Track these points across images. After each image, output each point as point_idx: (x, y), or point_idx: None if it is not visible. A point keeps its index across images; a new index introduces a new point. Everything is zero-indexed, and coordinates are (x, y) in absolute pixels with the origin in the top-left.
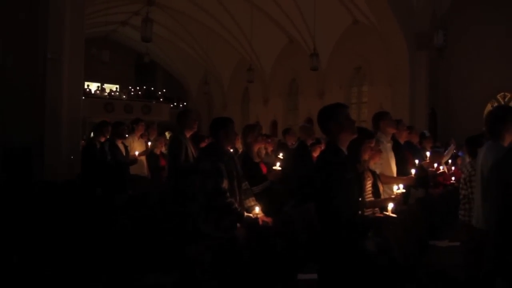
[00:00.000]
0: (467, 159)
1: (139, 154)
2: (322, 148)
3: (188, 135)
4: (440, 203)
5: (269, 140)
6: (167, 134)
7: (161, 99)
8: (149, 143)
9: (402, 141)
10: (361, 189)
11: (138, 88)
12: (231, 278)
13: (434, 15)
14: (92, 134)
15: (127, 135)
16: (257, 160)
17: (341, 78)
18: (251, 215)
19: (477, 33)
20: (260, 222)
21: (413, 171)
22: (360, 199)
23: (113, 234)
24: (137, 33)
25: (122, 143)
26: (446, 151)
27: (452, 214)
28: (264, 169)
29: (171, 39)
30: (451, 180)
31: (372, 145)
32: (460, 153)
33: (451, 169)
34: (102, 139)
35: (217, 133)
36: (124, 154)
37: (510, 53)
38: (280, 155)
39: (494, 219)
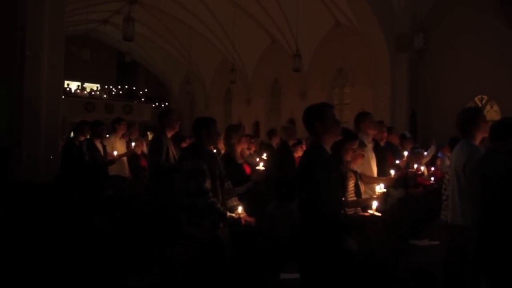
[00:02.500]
0: (447, 161)
1: (120, 155)
2: (304, 148)
3: (169, 135)
4: (420, 203)
5: (252, 140)
6: (149, 135)
7: (143, 99)
8: (133, 144)
9: (382, 142)
10: (344, 189)
11: (119, 87)
12: (213, 279)
13: (415, 18)
14: (72, 134)
15: (107, 135)
16: (240, 161)
17: (323, 79)
18: (233, 215)
19: (456, 37)
20: (243, 222)
21: (392, 171)
22: (343, 198)
23: (92, 236)
24: (118, 31)
25: (101, 142)
26: (427, 152)
27: (431, 214)
28: (247, 170)
29: (153, 38)
30: (431, 180)
31: (355, 147)
32: (439, 154)
33: (431, 170)
34: (82, 139)
35: (200, 133)
36: (102, 154)
37: (487, 56)
38: (264, 156)
39: (475, 216)
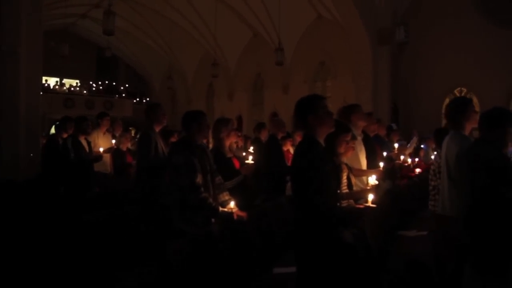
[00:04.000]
0: (431, 152)
1: (105, 151)
2: (292, 142)
3: (157, 129)
4: (406, 194)
5: (239, 134)
6: (132, 130)
7: (124, 95)
8: (113, 141)
9: (371, 134)
10: (339, 181)
11: (99, 83)
12: (207, 274)
13: (396, 11)
14: (52, 131)
15: (90, 131)
16: (229, 155)
17: (306, 73)
18: (225, 209)
19: (436, 30)
20: (235, 217)
21: (381, 164)
22: (338, 191)
23: (82, 234)
24: (98, 26)
25: (85, 139)
26: (409, 143)
27: (418, 204)
28: (236, 164)
29: (133, 32)
30: (415, 171)
31: (348, 139)
32: (423, 146)
33: (415, 161)
34: (65, 136)
35: (190, 127)
36: (87, 150)
37: (466, 49)
38: (251, 149)
39: (462, 206)
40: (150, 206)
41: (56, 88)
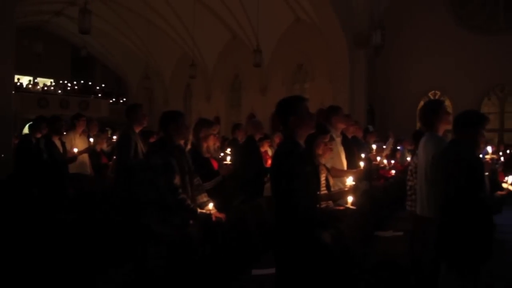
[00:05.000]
0: (406, 153)
1: (80, 152)
2: (270, 143)
3: (137, 130)
4: (382, 195)
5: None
6: (109, 131)
7: (100, 95)
8: (91, 140)
9: (349, 135)
10: (319, 183)
11: (75, 82)
12: (185, 276)
13: (373, 15)
14: (25, 131)
15: (65, 132)
16: (207, 155)
17: (284, 75)
18: (204, 211)
19: (412, 34)
20: (214, 218)
21: (361, 163)
22: (318, 192)
23: (53, 236)
24: (73, 24)
25: (60, 139)
26: (386, 145)
27: (394, 205)
28: (214, 165)
29: (110, 32)
30: (391, 173)
31: (327, 140)
32: (399, 147)
33: (391, 163)
34: (38, 136)
35: (168, 127)
36: (61, 151)
37: (440, 53)
38: (228, 150)
39: (438, 206)
40: (128, 207)
41: (29, 87)
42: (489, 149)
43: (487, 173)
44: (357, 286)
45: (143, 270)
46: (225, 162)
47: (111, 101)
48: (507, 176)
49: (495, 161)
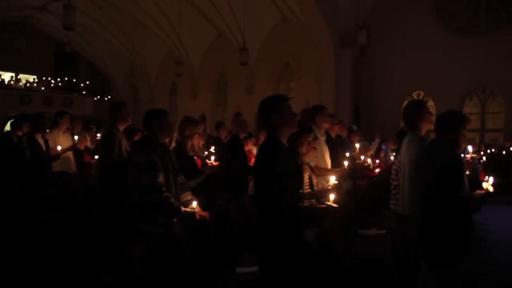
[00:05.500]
0: (390, 152)
1: (64, 150)
2: (254, 141)
3: (121, 128)
4: (366, 194)
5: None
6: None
7: (84, 92)
8: (76, 137)
9: (333, 134)
10: (301, 181)
11: (58, 79)
12: (169, 275)
13: (358, 15)
14: (7, 128)
15: (48, 129)
16: (191, 153)
17: (270, 74)
18: (188, 209)
19: (397, 35)
20: (197, 217)
21: (345, 163)
22: (300, 190)
23: (38, 235)
24: (57, 20)
25: (43, 137)
26: (372, 145)
27: (377, 204)
28: (198, 163)
29: (95, 28)
30: (375, 172)
31: (310, 139)
32: (383, 147)
33: (376, 162)
34: (19, 133)
35: (152, 125)
36: (44, 149)
37: (424, 54)
38: (212, 149)
39: (420, 206)
40: (112, 206)
41: (12, 84)
42: (470, 148)
43: (468, 172)
44: (340, 283)
45: (124, 269)
46: (209, 161)
47: (95, 98)
48: (488, 175)
49: (476, 160)
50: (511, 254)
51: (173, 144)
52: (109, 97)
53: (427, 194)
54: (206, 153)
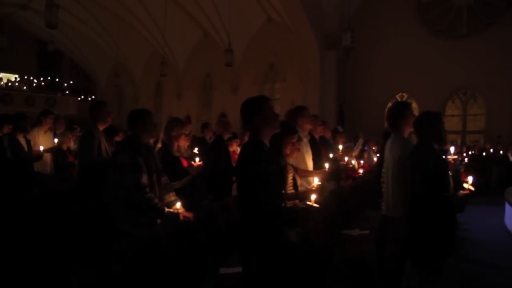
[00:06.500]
0: (372, 154)
1: (46, 151)
2: (239, 142)
3: (101, 128)
4: (350, 195)
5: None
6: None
7: (67, 92)
8: (55, 140)
9: (317, 135)
10: (284, 182)
11: (41, 79)
12: (152, 276)
13: (343, 17)
14: None
15: (29, 129)
16: (176, 154)
17: (255, 75)
18: (171, 210)
19: (380, 37)
20: (181, 218)
21: (326, 165)
22: (283, 191)
23: (18, 236)
24: (39, 18)
25: (25, 137)
26: (356, 145)
27: (361, 204)
28: (184, 164)
29: (78, 27)
30: (359, 172)
31: (294, 140)
32: (366, 148)
33: (360, 163)
34: (0, 134)
35: (135, 125)
36: (26, 149)
37: (407, 57)
38: (196, 150)
39: (406, 206)
40: (92, 207)
41: None
42: (452, 149)
43: (450, 173)
44: (323, 283)
45: (107, 271)
46: (194, 162)
47: (79, 98)
48: (467, 176)
49: (458, 161)
50: (489, 253)
51: (159, 145)
52: (93, 97)
53: (414, 195)
54: (190, 153)
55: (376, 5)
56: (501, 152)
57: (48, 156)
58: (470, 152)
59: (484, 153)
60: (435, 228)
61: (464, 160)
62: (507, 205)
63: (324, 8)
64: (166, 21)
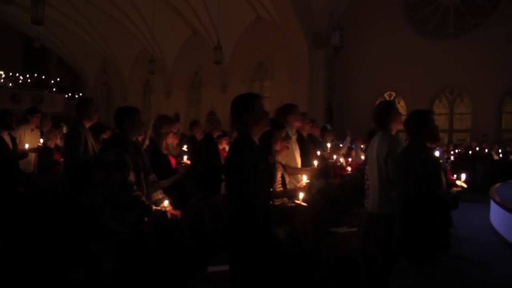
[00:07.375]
0: (360, 152)
1: (31, 150)
2: (228, 140)
3: (87, 125)
4: (338, 192)
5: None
6: (64, 127)
7: (54, 89)
8: (41, 140)
9: (305, 134)
10: (273, 179)
11: (27, 76)
12: (139, 275)
13: (332, 16)
14: None
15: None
16: (165, 151)
17: (244, 73)
18: (159, 208)
19: (369, 37)
20: (169, 216)
21: (315, 162)
22: (271, 189)
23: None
24: (24, 14)
25: (9, 134)
26: (343, 143)
27: (349, 202)
28: (173, 162)
29: (65, 23)
30: (347, 170)
31: (283, 134)
32: (353, 146)
33: (348, 161)
34: None
35: (122, 123)
36: (11, 147)
37: (395, 56)
38: (185, 147)
39: (400, 204)
40: (78, 205)
41: None
42: (437, 153)
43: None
44: (312, 281)
45: (94, 270)
46: (183, 161)
47: (66, 96)
48: (456, 174)
49: (444, 160)
50: (475, 251)
51: (147, 142)
52: (80, 94)
53: (407, 194)
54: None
55: (364, 5)
56: (486, 150)
57: (32, 155)
58: (456, 151)
59: (470, 152)
60: (429, 225)
61: (450, 158)
62: (492, 203)
63: (313, 7)
64: (155, 18)
